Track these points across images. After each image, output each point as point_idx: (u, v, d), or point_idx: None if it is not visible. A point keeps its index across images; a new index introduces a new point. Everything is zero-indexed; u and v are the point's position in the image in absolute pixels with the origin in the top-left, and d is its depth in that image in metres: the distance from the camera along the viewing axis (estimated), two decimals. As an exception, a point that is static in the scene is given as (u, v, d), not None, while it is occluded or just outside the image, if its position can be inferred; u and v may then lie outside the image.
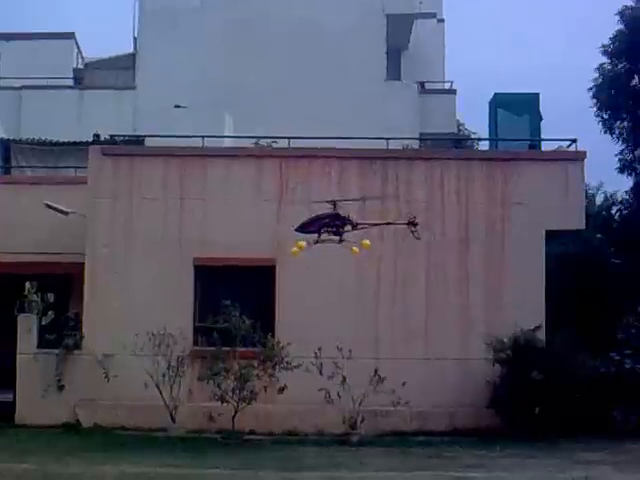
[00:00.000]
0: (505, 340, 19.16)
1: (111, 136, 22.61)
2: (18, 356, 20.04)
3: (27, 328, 20.17)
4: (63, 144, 26.24)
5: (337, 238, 16.94)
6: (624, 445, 17.59)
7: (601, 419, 18.94)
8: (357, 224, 17.20)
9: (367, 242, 17.25)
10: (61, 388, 19.72)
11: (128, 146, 22.65)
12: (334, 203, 17.04)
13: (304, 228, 17.12)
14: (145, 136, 23.98)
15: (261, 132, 22.27)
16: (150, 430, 18.74)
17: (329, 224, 16.89)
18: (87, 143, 22.90)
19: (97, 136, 22.39)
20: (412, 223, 17.63)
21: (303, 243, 16.81)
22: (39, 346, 20.22)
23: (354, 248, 17.11)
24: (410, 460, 15.73)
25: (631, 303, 22.87)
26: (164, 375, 18.55)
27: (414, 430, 19.19)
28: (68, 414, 19.55)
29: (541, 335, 19.51)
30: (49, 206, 20.71)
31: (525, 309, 19.69)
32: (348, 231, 17.22)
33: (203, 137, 20.99)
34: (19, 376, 19.94)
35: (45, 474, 13.40)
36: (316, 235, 16.93)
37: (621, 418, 18.96)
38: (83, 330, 20.05)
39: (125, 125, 26.06)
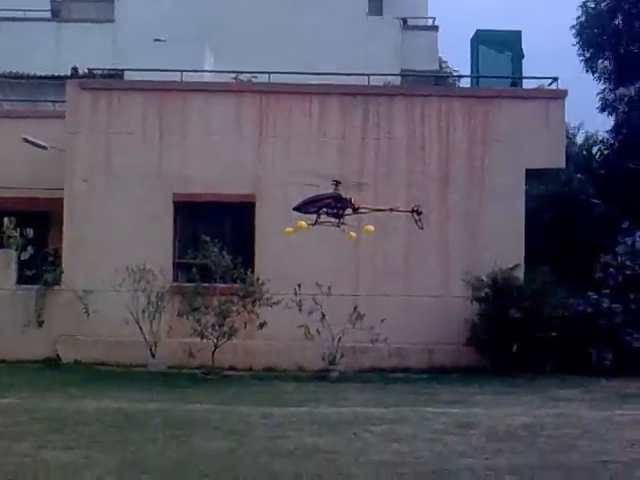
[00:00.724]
0: (484, 278, 19.27)
1: (89, 70, 22.36)
2: (-3, 292, 20.06)
3: (6, 264, 20.13)
4: (41, 77, 25.97)
5: (336, 221, 16.25)
6: (599, 383, 17.83)
7: (578, 357, 19.17)
8: (358, 208, 16.44)
9: (370, 227, 16.76)
10: (41, 324, 19.73)
11: (107, 80, 22.45)
12: (336, 183, 16.31)
13: (303, 208, 16.28)
14: (124, 70, 23.71)
15: (241, 67, 22.06)
16: (130, 366, 18.83)
17: (329, 206, 16.15)
18: (65, 77, 22.64)
19: (75, 70, 22.20)
20: (416, 211, 17.02)
21: (304, 223, 16.05)
22: (18, 282, 20.21)
23: (352, 233, 16.58)
24: (389, 396, 15.83)
25: (610, 243, 22.98)
26: (144, 311, 18.60)
27: (393, 367, 19.37)
28: (48, 350, 19.58)
29: (519, 274, 19.62)
30: (27, 140, 20.51)
31: (504, 248, 19.78)
32: (349, 214, 16.60)
33: (182, 72, 20.77)
34: (-1, 312, 19.97)
35: (26, 408, 13.41)
36: (314, 216, 16.13)
37: (597, 356, 19.14)
38: (62, 266, 20.03)
39: (104, 59, 25.68)
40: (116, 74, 23.97)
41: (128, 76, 23.26)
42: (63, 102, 21.20)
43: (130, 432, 11.73)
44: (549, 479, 9.58)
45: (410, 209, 17.14)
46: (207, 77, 24.02)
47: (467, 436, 11.83)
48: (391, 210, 17.05)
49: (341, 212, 16.16)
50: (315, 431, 12.04)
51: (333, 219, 16.23)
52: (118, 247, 19.62)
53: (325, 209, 16.13)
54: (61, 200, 20.16)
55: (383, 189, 20.04)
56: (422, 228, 17.18)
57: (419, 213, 16.99)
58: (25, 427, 11.95)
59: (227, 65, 23.07)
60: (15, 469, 9.59)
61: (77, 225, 20.11)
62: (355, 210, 16.37)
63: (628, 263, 20.81)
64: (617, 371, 18.79)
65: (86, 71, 22.44)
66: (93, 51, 26.87)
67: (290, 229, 16.41)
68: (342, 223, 16.31)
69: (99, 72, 22.90)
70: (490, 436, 11.87)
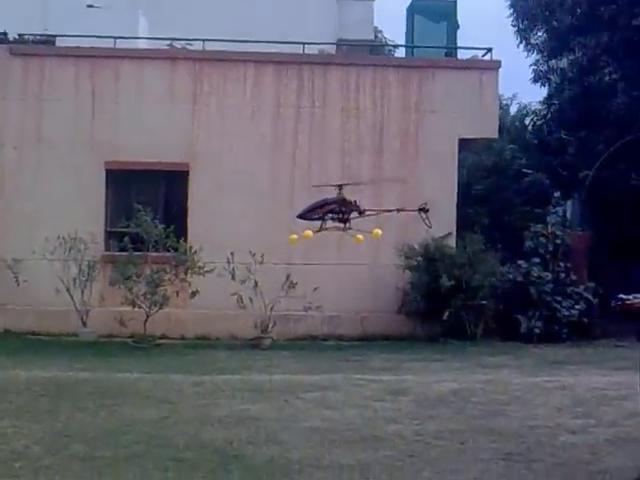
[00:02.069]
0: (416, 247, 19.41)
1: (20, 35, 21.95)
2: None
3: None
4: (-33, 43, 25.39)
5: (342, 226, 15.36)
6: (529, 350, 18.16)
7: (508, 325, 19.47)
8: (364, 211, 15.54)
9: (378, 231, 15.76)
10: (-30, 293, 19.48)
11: (38, 46, 22.07)
12: (340, 187, 15.43)
13: (307, 215, 15.47)
14: (56, 36, 23.27)
15: (176, 35, 21.84)
16: (61, 335, 18.68)
17: (334, 211, 15.24)
18: (-6, 42, 22.20)
19: (4, 35, 21.70)
20: (423, 210, 16.40)
21: (310, 233, 15.19)
22: (-54, 250, 19.89)
23: (359, 236, 15.53)
24: (320, 363, 15.90)
25: (541, 212, 23.31)
26: (75, 280, 18.48)
27: (325, 335, 19.48)
28: (-23, 319, 19.33)
29: (451, 242, 19.81)
30: (-46, 107, 20.15)
31: (436, 216, 19.70)
32: (355, 218, 15.57)
33: (115, 38, 20.51)
34: None
35: (-47, 378, 13.27)
36: (319, 222, 15.33)
37: (527, 324, 19.44)
38: (-8, 234, 19.77)
39: (35, 25, 25.22)
40: (47, 40, 23.53)
41: (60, 42, 22.84)
42: (-8, 68, 20.82)
43: (60, 401, 11.65)
44: (478, 443, 9.68)
45: (417, 208, 16.50)
46: (141, 44, 23.70)
47: (397, 402, 11.94)
48: (398, 210, 16.52)
49: (346, 216, 15.32)
50: (247, 398, 12.06)
51: (339, 224, 15.44)
52: (49, 216, 19.40)
53: (330, 215, 15.37)
54: (-9, 168, 19.88)
55: (317, 158, 20.13)
56: (431, 227, 16.70)
57: (426, 211, 16.41)
58: (-48, 397, 11.83)
59: (161, 32, 22.78)
60: (-59, 439, 9.50)
61: (7, 193, 19.86)
62: (361, 213, 15.54)
63: (558, 232, 21.11)
64: (546, 338, 19.15)
65: (16, 36, 21.98)
66: (24, 16, 26.33)
67: (294, 237, 15.75)
68: (349, 228, 15.48)
69: (30, 38, 22.49)
70: (420, 402, 11.98)
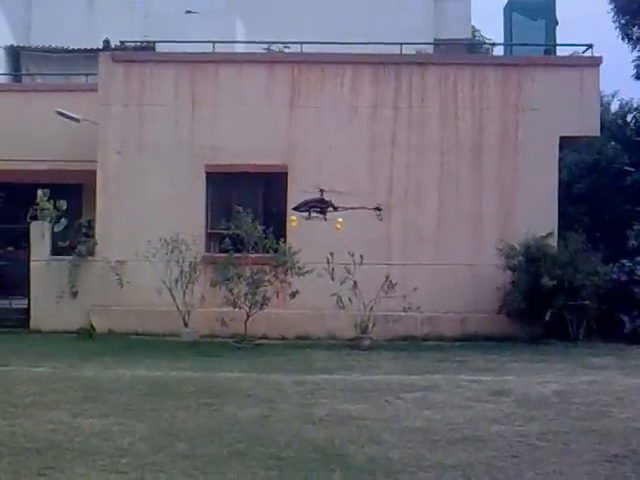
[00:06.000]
0: (517, 246, 19.19)
1: (122, 42, 22.37)
2: (32, 263, 20.24)
3: (40, 235, 20.28)
4: (73, 51, 26.07)
5: (322, 216, 19.94)
6: (633, 351, 17.76)
7: (612, 325, 19.10)
8: (337, 207, 19.84)
9: (340, 220, 19.57)
10: (75, 294, 19.91)
11: (139, 52, 22.47)
12: (322, 191, 19.77)
13: (297, 209, 19.98)
14: (156, 42, 23.70)
15: (273, 38, 22.01)
16: (163, 335, 18.94)
17: (316, 206, 20.01)
18: (98, 50, 22.64)
19: (107, 42, 22.13)
20: (377, 209, 19.95)
21: (294, 218, 19.67)
22: (52, 253, 20.38)
23: (338, 225, 19.37)
24: (421, 364, 15.81)
25: (644, 210, 22.87)
26: (177, 281, 18.74)
27: (425, 335, 19.37)
28: (82, 320, 19.72)
29: (553, 242, 19.52)
30: (60, 113, 20.65)
31: (537, 216, 19.68)
32: (331, 212, 19.77)
33: (214, 43, 20.76)
34: (33, 283, 20.17)
35: (61, 377, 13.55)
36: (307, 214, 19.98)
37: (631, 324, 19.08)
38: (96, 237, 20.18)
39: (136, 32, 25.71)
40: (148, 46, 23.97)
41: (160, 48, 23.26)
42: (96, 75, 21.27)
43: (164, 400, 11.83)
44: (581, 445, 9.54)
45: (373, 207, 19.88)
46: (239, 48, 24.00)
47: (499, 403, 11.84)
48: (361, 208, 19.77)
49: (325, 210, 19.99)
50: (347, 398, 12.10)
51: (320, 215, 19.94)
52: (151, 218, 19.74)
53: (313, 209, 19.99)
54: (94, 172, 20.28)
55: (415, 158, 20.09)
56: (381, 219, 20.01)
57: (380, 210, 19.93)
58: (60, 396, 12.09)
59: (258, 36, 23.04)
60: (50, 436, 9.71)
61: (110, 197, 20.23)
62: (335, 209, 19.88)
63: (663, 231, 20.69)
64: (651, 338, 18.77)
65: (118, 44, 22.41)
66: (126, 24, 26.89)
67: (294, 223, 19.64)
68: (326, 219, 19.84)
69: (131, 44, 22.88)
70: (522, 403, 11.87)
